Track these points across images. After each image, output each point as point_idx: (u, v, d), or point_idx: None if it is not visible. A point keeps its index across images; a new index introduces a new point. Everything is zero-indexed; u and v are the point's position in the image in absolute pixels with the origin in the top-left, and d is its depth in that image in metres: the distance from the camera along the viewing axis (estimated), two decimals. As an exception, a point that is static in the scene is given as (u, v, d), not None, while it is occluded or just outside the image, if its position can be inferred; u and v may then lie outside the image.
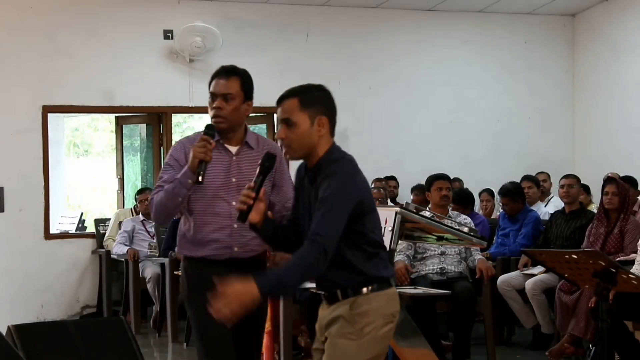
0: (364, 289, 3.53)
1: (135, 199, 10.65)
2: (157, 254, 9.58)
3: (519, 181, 9.50)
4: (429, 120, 11.49)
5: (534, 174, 10.38)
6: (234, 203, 4.06)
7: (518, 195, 8.72)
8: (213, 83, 4.25)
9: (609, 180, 7.50)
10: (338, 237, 3.41)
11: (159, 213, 4.24)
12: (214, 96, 4.23)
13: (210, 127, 4.19)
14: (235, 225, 4.14)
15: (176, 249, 4.41)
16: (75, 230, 10.87)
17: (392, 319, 3.59)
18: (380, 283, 3.56)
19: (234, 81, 4.22)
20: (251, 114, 13.48)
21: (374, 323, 3.53)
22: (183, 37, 10.47)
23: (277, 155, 3.97)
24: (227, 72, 4.24)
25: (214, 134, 4.18)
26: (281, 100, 3.61)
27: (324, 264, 3.40)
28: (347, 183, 3.47)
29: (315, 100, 3.60)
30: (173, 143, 11.47)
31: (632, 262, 6.56)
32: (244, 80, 4.25)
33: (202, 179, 4.08)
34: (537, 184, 9.94)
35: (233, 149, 4.27)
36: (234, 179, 4.23)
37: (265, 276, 3.42)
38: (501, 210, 9.08)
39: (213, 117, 4.22)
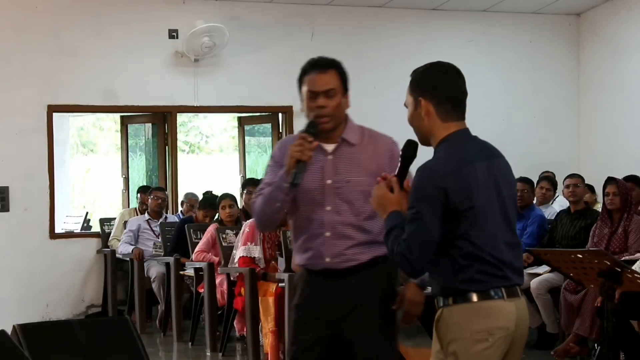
0: (450, 300, 3.22)
1: (137, 198, 10.69)
2: (162, 254, 9.59)
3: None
4: (434, 119, 11.47)
5: (539, 174, 10.36)
6: (328, 208, 3.78)
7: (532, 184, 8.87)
8: (309, 78, 3.82)
9: (609, 180, 7.50)
10: (425, 241, 3.16)
11: (259, 220, 3.91)
12: (314, 94, 3.80)
13: (312, 124, 3.79)
14: (328, 234, 3.77)
15: None
16: (80, 230, 10.89)
17: (487, 337, 3.17)
18: (467, 294, 3.20)
19: (332, 74, 3.83)
20: (256, 114, 13.40)
21: (460, 340, 3.18)
22: (191, 40, 10.44)
23: (396, 150, 3.71)
24: (324, 66, 3.83)
25: (316, 132, 3.77)
26: None
27: (406, 270, 3.31)
28: (424, 180, 3.20)
29: (419, 80, 3.39)
30: (178, 142, 11.59)
31: (636, 262, 6.56)
32: (341, 71, 3.87)
33: (299, 181, 3.70)
34: (555, 186, 9.89)
35: (329, 147, 3.84)
36: (329, 181, 3.79)
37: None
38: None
39: (316, 116, 3.79)
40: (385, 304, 3.80)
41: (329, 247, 3.78)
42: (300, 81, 3.87)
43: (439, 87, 3.35)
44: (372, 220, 3.79)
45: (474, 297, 3.19)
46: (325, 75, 3.80)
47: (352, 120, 3.91)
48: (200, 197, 10.34)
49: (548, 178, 9.92)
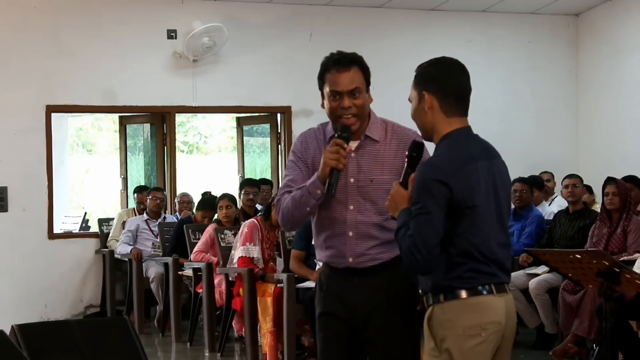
0: (440, 297, 3.24)
1: (134, 198, 10.68)
2: (161, 254, 9.58)
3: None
4: (433, 120, 11.49)
5: (537, 174, 10.36)
6: (351, 207, 3.68)
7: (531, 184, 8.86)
8: (331, 77, 3.68)
9: (608, 180, 7.50)
10: (430, 236, 3.15)
11: (285, 221, 3.77)
12: (337, 94, 3.67)
13: (345, 128, 3.64)
14: (351, 234, 3.69)
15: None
16: (79, 230, 10.89)
17: (480, 332, 3.20)
18: (456, 291, 3.22)
19: (355, 71, 3.70)
20: (254, 114, 13.35)
21: (453, 336, 3.20)
22: (191, 41, 10.43)
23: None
24: (346, 63, 3.70)
25: (349, 137, 3.64)
26: None
27: (415, 267, 3.18)
28: (428, 175, 3.19)
29: (423, 74, 3.37)
30: (176, 143, 11.59)
31: (635, 262, 6.56)
32: (363, 66, 3.74)
33: (334, 190, 3.59)
34: (540, 187, 9.89)
35: (352, 145, 3.69)
36: (352, 180, 3.68)
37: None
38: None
39: (343, 117, 3.66)
40: (407, 304, 3.71)
41: (351, 247, 3.70)
42: (321, 79, 3.74)
43: (443, 81, 3.34)
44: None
45: (463, 294, 3.22)
46: (348, 74, 3.67)
47: (374, 114, 3.79)
48: (195, 196, 10.35)
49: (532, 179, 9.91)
